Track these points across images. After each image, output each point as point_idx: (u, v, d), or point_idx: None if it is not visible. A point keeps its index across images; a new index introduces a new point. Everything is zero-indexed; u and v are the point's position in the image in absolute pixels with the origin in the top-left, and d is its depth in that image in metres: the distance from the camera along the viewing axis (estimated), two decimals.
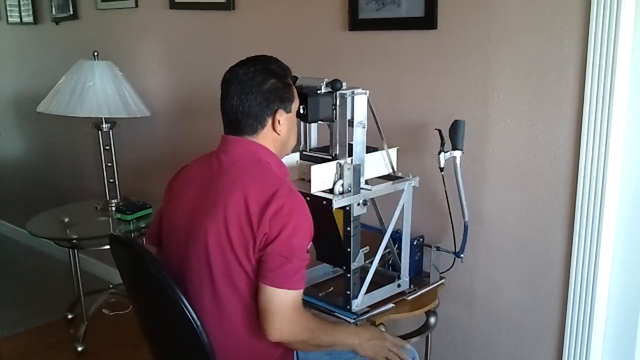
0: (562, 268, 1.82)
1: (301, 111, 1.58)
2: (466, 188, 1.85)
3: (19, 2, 3.76)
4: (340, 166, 1.62)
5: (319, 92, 1.60)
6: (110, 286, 3.03)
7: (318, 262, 1.87)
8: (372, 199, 1.76)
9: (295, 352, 1.55)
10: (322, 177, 1.61)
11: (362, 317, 1.67)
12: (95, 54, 2.80)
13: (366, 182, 1.68)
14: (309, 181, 1.59)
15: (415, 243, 1.88)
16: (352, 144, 1.63)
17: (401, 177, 1.77)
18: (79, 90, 2.68)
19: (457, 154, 1.80)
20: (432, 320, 1.93)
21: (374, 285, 1.73)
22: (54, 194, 3.79)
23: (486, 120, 1.90)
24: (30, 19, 3.70)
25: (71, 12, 3.36)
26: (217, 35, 2.67)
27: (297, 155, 1.79)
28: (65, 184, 3.78)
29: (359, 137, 1.63)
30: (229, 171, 1.44)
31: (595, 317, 1.78)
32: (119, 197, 2.99)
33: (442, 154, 1.79)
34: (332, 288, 1.83)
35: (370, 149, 1.71)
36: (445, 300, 2.03)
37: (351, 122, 1.63)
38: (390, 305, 1.75)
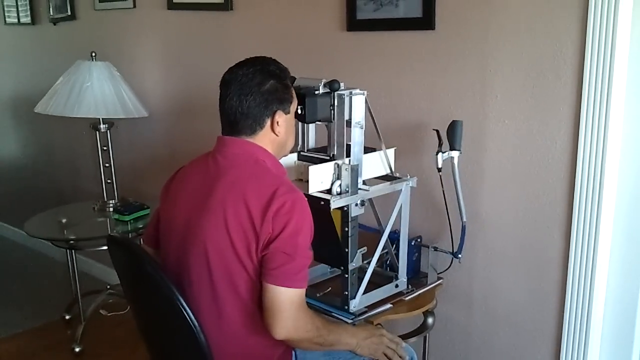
0: (560, 268, 1.82)
1: (299, 111, 1.58)
2: (464, 188, 1.85)
3: (17, 3, 3.75)
4: (338, 166, 1.62)
5: (316, 92, 1.60)
6: (108, 287, 3.02)
7: (316, 263, 1.87)
8: (370, 200, 1.76)
9: (293, 353, 1.56)
10: (319, 178, 1.61)
11: (359, 318, 1.67)
12: (93, 54, 2.79)
13: (364, 183, 1.68)
14: (307, 181, 1.59)
15: (413, 243, 1.88)
16: (349, 145, 1.63)
17: (399, 178, 1.77)
18: (76, 90, 2.68)
19: (455, 154, 1.80)
20: (430, 320, 1.93)
21: (371, 286, 1.73)
22: (52, 195, 3.79)
23: (484, 121, 1.90)
24: (28, 20, 3.70)
25: (69, 13, 3.36)
26: (215, 35, 2.67)
27: (295, 155, 1.79)
28: (63, 185, 3.78)
29: (357, 137, 1.63)
30: (227, 172, 1.44)
31: (592, 317, 1.78)
32: (116, 197, 2.98)
33: (440, 154, 1.79)
34: (330, 288, 1.83)
35: (368, 150, 1.71)
36: (443, 300, 2.03)
37: (349, 123, 1.63)
38: (388, 305, 1.75)
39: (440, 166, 1.80)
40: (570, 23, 1.67)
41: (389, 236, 1.74)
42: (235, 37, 2.58)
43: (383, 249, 1.75)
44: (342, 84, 1.62)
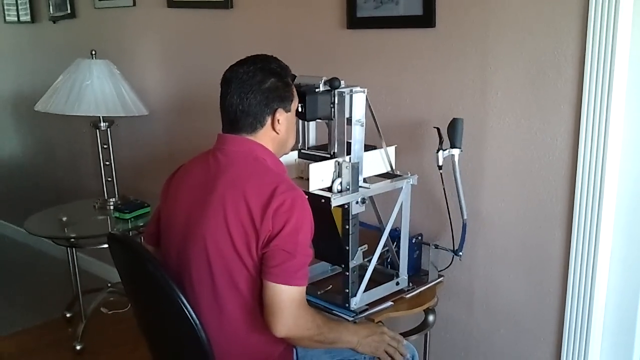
0: (561, 266, 1.82)
1: (299, 109, 1.57)
2: (464, 186, 1.85)
3: (17, 1, 3.75)
4: (339, 164, 1.62)
5: (317, 90, 1.60)
6: (109, 285, 3.02)
7: (316, 260, 1.87)
8: (371, 197, 1.76)
9: (294, 351, 1.56)
10: (320, 176, 1.60)
11: (360, 315, 1.67)
12: (93, 52, 2.79)
13: (364, 180, 1.68)
14: (308, 179, 1.59)
15: (413, 241, 1.88)
16: (350, 142, 1.63)
17: (400, 175, 1.77)
18: (76, 89, 2.68)
19: (456, 152, 1.80)
20: (431, 318, 1.92)
21: (372, 284, 1.73)
22: (52, 193, 3.79)
23: (484, 118, 1.90)
24: (27, 18, 3.69)
25: (69, 11, 3.36)
26: (215, 33, 2.67)
27: (295, 153, 1.79)
28: (63, 183, 3.78)
29: (358, 135, 1.63)
30: (227, 169, 1.44)
31: (593, 314, 1.78)
32: (117, 195, 2.99)
33: (441, 152, 1.79)
34: (331, 286, 1.84)
35: (368, 147, 1.71)
36: (444, 298, 2.03)
37: (349, 121, 1.62)
38: (389, 303, 1.75)
39: (440, 164, 1.80)
40: (570, 20, 1.67)
41: (389, 234, 1.74)
42: (235, 35, 2.58)
43: (384, 247, 1.75)
44: (342, 82, 1.62)
